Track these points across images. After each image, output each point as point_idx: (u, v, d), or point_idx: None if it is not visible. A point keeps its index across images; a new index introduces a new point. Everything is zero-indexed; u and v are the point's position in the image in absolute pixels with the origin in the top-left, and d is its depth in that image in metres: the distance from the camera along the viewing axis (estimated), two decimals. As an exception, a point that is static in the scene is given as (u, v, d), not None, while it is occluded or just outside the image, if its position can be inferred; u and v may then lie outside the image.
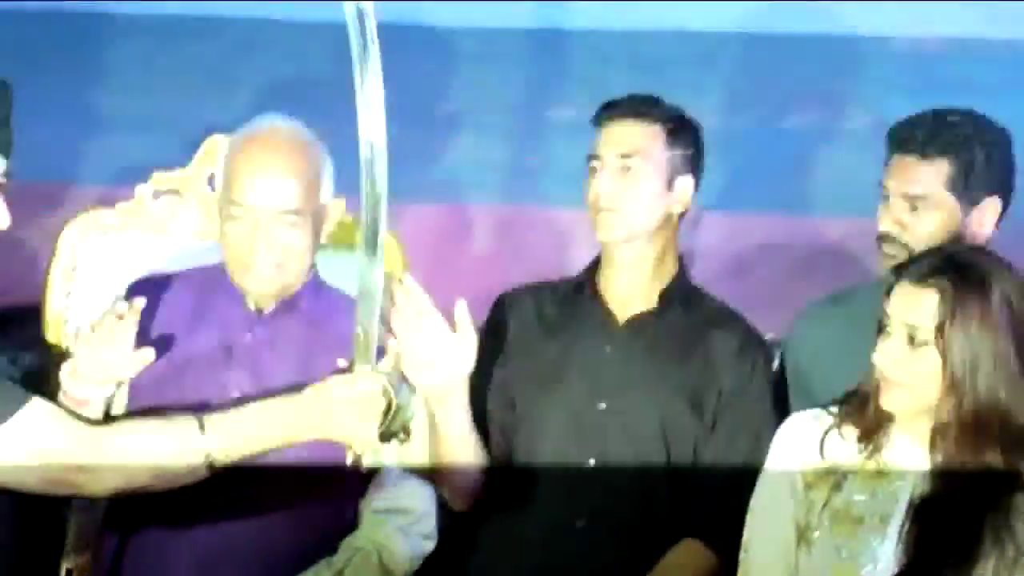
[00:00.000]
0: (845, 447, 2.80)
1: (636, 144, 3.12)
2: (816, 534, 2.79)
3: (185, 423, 2.68)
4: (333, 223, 3.01)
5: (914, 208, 3.08)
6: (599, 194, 3.11)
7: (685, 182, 3.16)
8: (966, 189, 3.06)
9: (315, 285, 3.03)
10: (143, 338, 2.92)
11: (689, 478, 3.09)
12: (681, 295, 3.16)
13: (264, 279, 2.94)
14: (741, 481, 2.95)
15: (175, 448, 2.67)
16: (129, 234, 3.42)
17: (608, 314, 3.16)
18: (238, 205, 2.91)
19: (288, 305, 3.00)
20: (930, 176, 3.06)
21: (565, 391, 3.11)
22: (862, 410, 2.79)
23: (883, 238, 3.11)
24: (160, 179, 3.46)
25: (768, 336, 3.87)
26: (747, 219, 4.27)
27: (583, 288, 3.18)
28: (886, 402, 2.74)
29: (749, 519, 2.88)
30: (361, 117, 2.58)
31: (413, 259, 3.55)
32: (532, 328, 3.19)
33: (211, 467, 2.68)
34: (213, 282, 3.03)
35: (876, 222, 3.13)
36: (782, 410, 3.11)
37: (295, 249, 2.94)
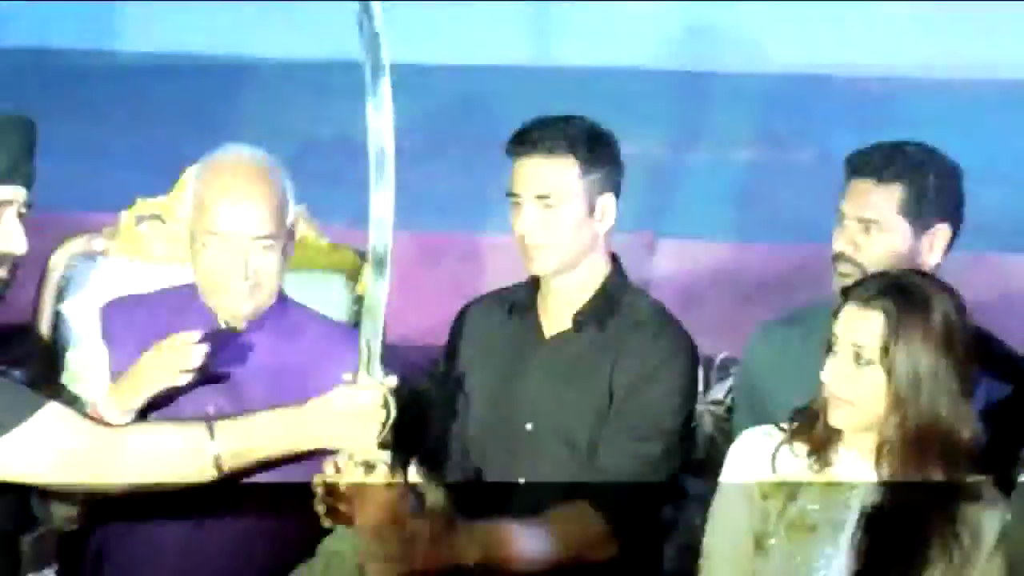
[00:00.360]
0: (796, 462, 2.81)
1: (551, 183, 2.99)
2: (772, 541, 2.80)
3: (196, 427, 2.73)
4: (296, 243, 3.03)
5: (867, 230, 3.10)
6: (523, 233, 3.02)
7: (606, 200, 3.04)
8: (918, 215, 3.08)
9: (282, 303, 3.03)
10: (121, 357, 2.95)
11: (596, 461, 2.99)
12: (598, 312, 3.05)
13: (240, 302, 2.94)
14: (642, 462, 2.93)
15: (185, 450, 2.71)
16: (114, 258, 3.43)
17: (538, 331, 3.10)
18: (212, 233, 2.90)
19: (259, 323, 2.99)
20: (884, 200, 3.09)
21: (499, 410, 3.07)
22: (811, 426, 2.81)
23: (837, 258, 3.13)
24: (143, 205, 3.47)
25: (721, 356, 3.94)
26: (698, 246, 4.29)
27: (523, 303, 3.12)
28: (833, 419, 2.76)
29: (708, 527, 2.89)
30: (371, 141, 2.62)
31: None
32: (478, 341, 3.15)
33: (219, 470, 2.72)
34: (185, 302, 3.02)
35: (819, 249, 3.17)
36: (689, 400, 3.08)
37: (268, 272, 2.94)
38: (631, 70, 4.28)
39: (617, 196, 3.07)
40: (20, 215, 2.75)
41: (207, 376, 2.93)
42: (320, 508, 2.71)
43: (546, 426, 3.02)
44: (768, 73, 4.27)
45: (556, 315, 3.08)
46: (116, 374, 2.98)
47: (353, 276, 3.54)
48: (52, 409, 2.67)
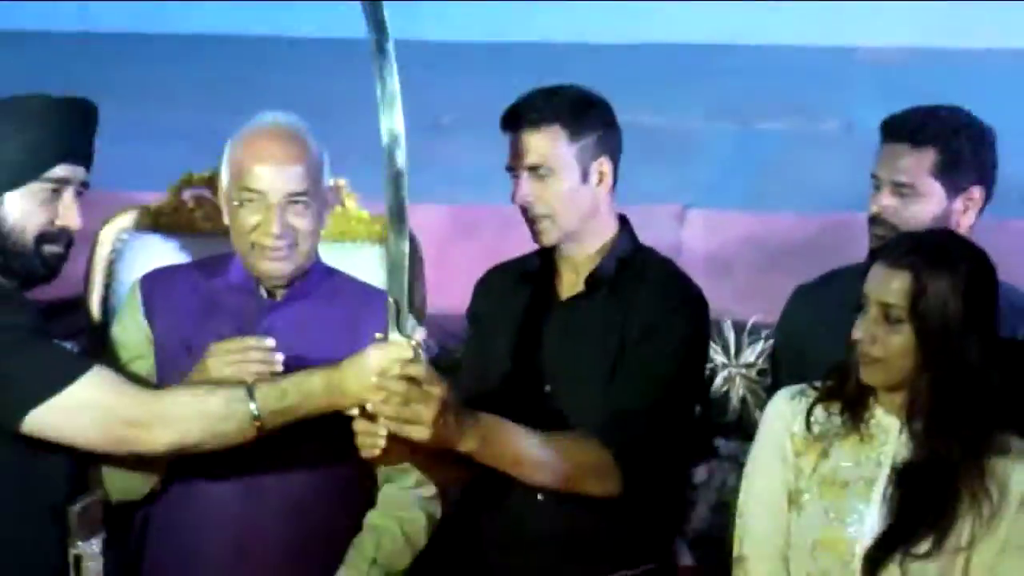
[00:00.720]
0: (830, 419, 2.81)
1: (541, 154, 2.99)
2: (806, 497, 2.80)
3: (235, 388, 2.75)
4: (332, 207, 3.03)
5: (902, 194, 3.08)
6: (522, 204, 3.03)
7: (600, 164, 3.02)
8: (952, 177, 3.07)
9: (321, 270, 3.04)
10: (162, 327, 2.95)
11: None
12: (608, 274, 3.04)
13: (277, 262, 2.95)
14: (647, 404, 2.92)
15: (225, 411, 2.72)
16: (162, 232, 3.43)
17: (554, 295, 3.10)
18: (249, 191, 2.92)
19: (299, 290, 3.00)
20: (918, 163, 3.07)
21: (518, 372, 3.06)
22: (844, 384, 2.80)
23: (873, 220, 3.11)
24: (189, 179, 3.47)
25: (752, 320, 3.92)
26: (726, 216, 4.28)
27: (539, 269, 3.12)
28: (865, 376, 2.75)
29: (744, 485, 2.88)
30: (380, 99, 2.61)
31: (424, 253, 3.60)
32: (497, 307, 3.15)
33: (259, 429, 2.73)
34: (224, 271, 3.03)
35: (845, 217, 3.15)
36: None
37: (304, 230, 2.95)
38: (659, 45, 4.26)
39: (614, 159, 3.06)
40: (78, 193, 2.81)
41: None
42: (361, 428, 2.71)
43: (564, 387, 3.02)
44: (793, 45, 4.25)
45: (569, 279, 3.08)
46: (161, 344, 2.97)
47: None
48: (97, 372, 2.71)
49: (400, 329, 2.69)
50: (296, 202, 2.93)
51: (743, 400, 3.88)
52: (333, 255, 3.13)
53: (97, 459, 2.84)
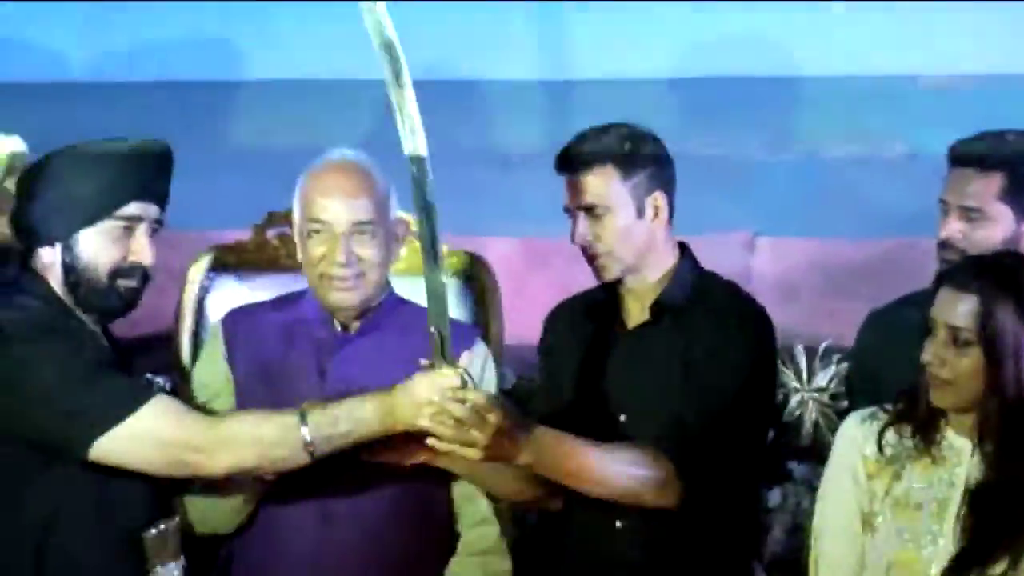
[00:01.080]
0: (901, 441, 2.78)
1: (596, 194, 2.98)
2: (879, 520, 2.77)
3: (287, 415, 2.76)
4: (403, 241, 3.04)
5: (970, 218, 3.06)
6: (581, 244, 3.02)
7: (655, 199, 3.00)
8: (1020, 201, 3.03)
9: (394, 301, 3.03)
10: (243, 364, 2.97)
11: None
12: (672, 302, 3.02)
13: (347, 292, 2.94)
14: (711, 419, 2.89)
15: (278, 436, 2.75)
16: (248, 269, 3.46)
17: (621, 325, 3.08)
18: (317, 222, 2.92)
19: (372, 323, 2.99)
20: (985, 188, 3.04)
21: (592, 403, 3.04)
22: (915, 407, 2.77)
23: (943, 245, 3.09)
24: (273, 217, 3.50)
25: (824, 344, 3.90)
26: (794, 242, 4.26)
27: (605, 301, 3.10)
28: (935, 399, 2.73)
29: (818, 508, 2.86)
30: (402, 133, 2.61)
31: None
32: (567, 339, 3.13)
33: (312, 455, 2.75)
34: (300, 306, 3.03)
35: (910, 242, 3.12)
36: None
37: (371, 260, 2.94)
38: (723, 79, 4.26)
39: (668, 191, 3.04)
40: (153, 231, 2.84)
41: (327, 380, 2.94)
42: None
43: (637, 416, 2.99)
44: (856, 75, 4.23)
45: (634, 309, 3.07)
46: (242, 381, 2.99)
47: (468, 278, 3.57)
48: (159, 400, 2.76)
49: (445, 357, 2.70)
50: (362, 232, 2.93)
51: (816, 424, 3.85)
52: (406, 289, 3.12)
53: (180, 488, 2.87)
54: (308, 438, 2.74)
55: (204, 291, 3.44)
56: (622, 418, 3.02)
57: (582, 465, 2.83)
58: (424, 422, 2.70)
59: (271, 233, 3.49)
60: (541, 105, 4.00)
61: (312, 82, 4.30)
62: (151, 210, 2.84)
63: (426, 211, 2.66)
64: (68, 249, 2.81)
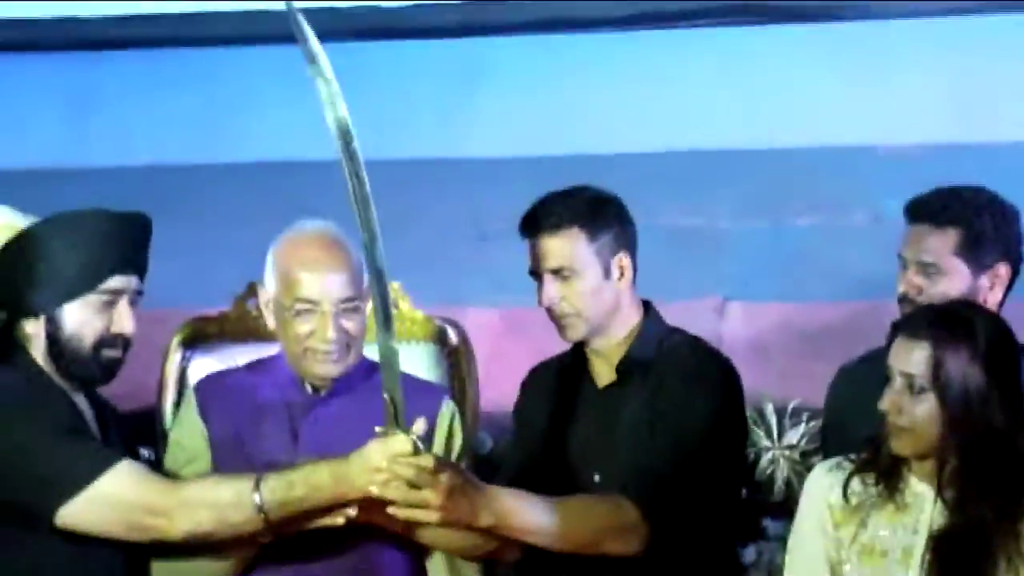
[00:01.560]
0: (866, 489, 2.77)
1: (563, 255, 2.98)
2: (847, 568, 2.76)
3: (243, 480, 2.75)
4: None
5: (927, 274, 3.04)
6: (548, 306, 3.02)
7: (619, 259, 3.01)
8: (976, 256, 3.03)
9: (366, 366, 3.00)
10: (217, 427, 2.95)
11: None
12: (636, 360, 3.01)
13: (332, 363, 2.93)
14: (679, 467, 2.87)
15: (233, 501, 2.73)
16: (228, 340, 3.46)
17: (592, 386, 3.08)
18: (302, 300, 2.89)
19: (343, 384, 2.97)
20: (941, 243, 3.03)
21: (564, 465, 3.04)
22: (877, 455, 2.77)
23: (901, 300, 3.08)
24: (253, 289, 3.51)
25: (793, 403, 3.90)
26: (764, 307, 4.27)
27: (575, 363, 3.10)
28: (896, 447, 2.72)
29: (788, 559, 2.85)
30: (353, 205, 2.61)
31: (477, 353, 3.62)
32: (541, 401, 3.13)
33: (266, 520, 2.74)
34: (272, 371, 3.01)
35: (876, 304, 3.12)
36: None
37: (355, 333, 2.93)
38: (690, 152, 4.30)
39: (632, 252, 3.05)
40: (133, 302, 2.85)
41: (300, 441, 2.93)
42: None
43: (612, 473, 2.96)
44: (818, 146, 4.27)
45: (602, 369, 3.07)
46: (217, 444, 2.96)
47: (441, 343, 3.57)
48: (122, 466, 2.75)
49: (398, 424, 2.68)
50: (347, 308, 2.91)
51: (788, 481, 3.84)
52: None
53: (156, 553, 2.83)
54: (259, 502, 2.72)
55: (186, 362, 3.44)
56: (596, 477, 3.00)
57: (544, 521, 2.81)
58: (376, 488, 2.68)
59: (251, 303, 3.49)
60: (513, 180, 4.01)
61: (283, 163, 4.35)
62: (132, 282, 2.85)
63: (377, 276, 2.65)
64: (51, 321, 2.82)
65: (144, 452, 3.20)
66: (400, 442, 2.67)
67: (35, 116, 4.58)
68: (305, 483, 2.73)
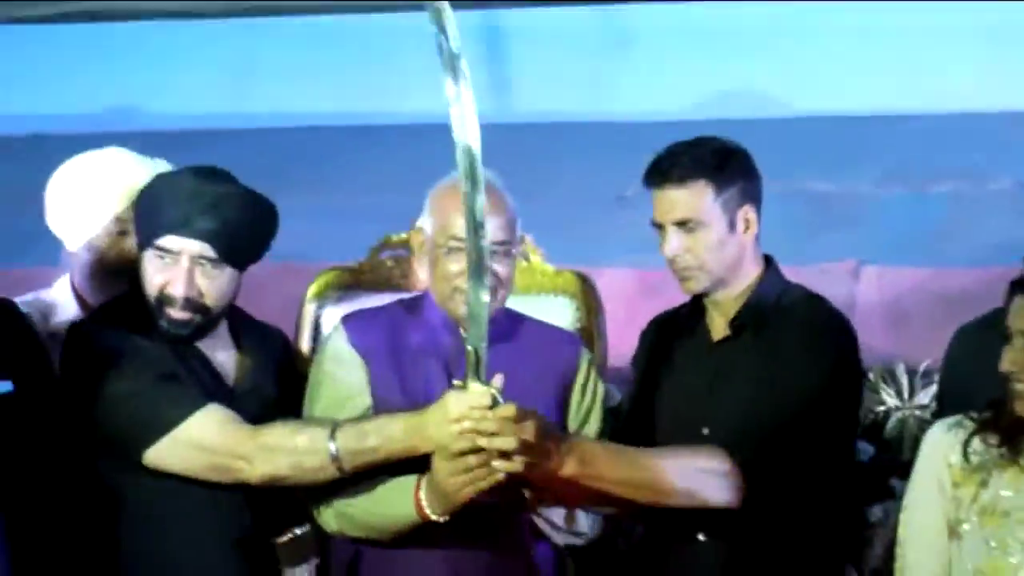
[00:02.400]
0: (988, 450, 2.64)
1: (688, 209, 2.84)
2: (966, 527, 2.63)
3: (320, 427, 2.72)
4: (524, 269, 2.95)
5: None
6: (672, 258, 2.89)
7: (745, 212, 2.87)
8: None
9: (509, 314, 2.92)
10: (376, 366, 2.84)
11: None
12: (753, 315, 2.88)
13: None
14: (786, 424, 2.74)
15: (308, 446, 2.70)
16: (363, 291, 3.44)
17: (707, 339, 2.95)
18: (459, 239, 2.76)
19: (495, 331, 2.73)
20: None
21: (678, 415, 2.92)
22: (999, 416, 2.63)
23: None
24: (388, 241, 3.49)
25: (925, 364, 3.75)
26: (899, 271, 4.13)
27: (693, 316, 2.98)
28: (1019, 408, 2.58)
29: (903, 516, 2.73)
30: (459, 156, 2.52)
31: (609, 313, 3.55)
32: (658, 352, 3.01)
33: (339, 468, 2.69)
34: (420, 313, 2.91)
35: (1014, 269, 2.94)
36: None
37: (505, 277, 2.84)
38: (833, 118, 4.18)
39: (758, 205, 2.91)
40: (200, 265, 2.79)
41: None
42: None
43: (720, 429, 2.85)
44: (960, 112, 4.11)
45: (718, 323, 2.94)
46: (376, 382, 2.85)
47: (576, 297, 3.51)
48: (208, 410, 2.75)
49: (479, 377, 2.59)
50: (497, 251, 2.79)
51: (916, 441, 3.67)
52: (520, 307, 3.03)
53: (315, 493, 2.79)
54: (333, 450, 2.67)
55: (321, 310, 3.42)
56: (705, 430, 2.89)
57: (629, 472, 2.71)
58: (454, 440, 2.59)
59: (385, 254, 3.47)
60: (652, 144, 3.93)
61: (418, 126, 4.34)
62: (190, 245, 2.79)
63: (475, 232, 2.56)
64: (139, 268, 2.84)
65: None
66: (479, 394, 2.58)
67: (197, 80, 4.62)
68: (379, 433, 2.67)
